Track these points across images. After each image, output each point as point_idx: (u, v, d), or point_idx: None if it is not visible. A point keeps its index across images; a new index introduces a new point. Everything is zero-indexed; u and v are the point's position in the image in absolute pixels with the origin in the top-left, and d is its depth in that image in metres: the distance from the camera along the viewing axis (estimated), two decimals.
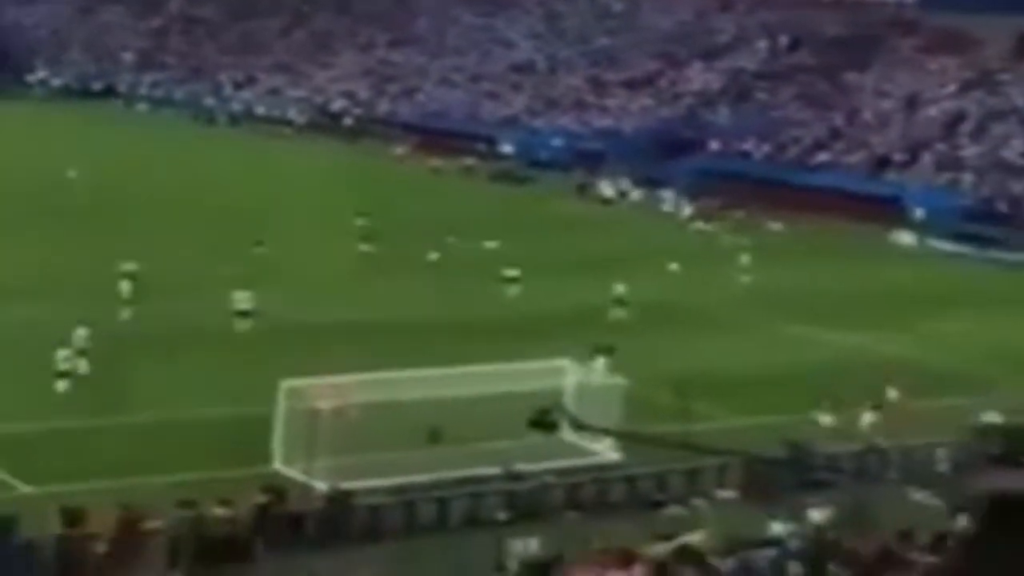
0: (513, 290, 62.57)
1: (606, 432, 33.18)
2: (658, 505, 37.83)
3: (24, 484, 37.35)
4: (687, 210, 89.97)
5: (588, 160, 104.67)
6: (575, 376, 41.02)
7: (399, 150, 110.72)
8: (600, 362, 45.45)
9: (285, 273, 62.57)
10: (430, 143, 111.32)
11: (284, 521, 35.23)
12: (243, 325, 54.20)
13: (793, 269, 70.66)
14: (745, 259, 70.91)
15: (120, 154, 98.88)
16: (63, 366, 45.41)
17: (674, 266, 68.80)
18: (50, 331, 47.22)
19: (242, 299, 54.91)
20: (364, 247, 70.04)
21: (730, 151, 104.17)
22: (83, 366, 46.26)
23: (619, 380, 41.44)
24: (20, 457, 38.75)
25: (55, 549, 32.36)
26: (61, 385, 45.13)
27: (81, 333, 47.20)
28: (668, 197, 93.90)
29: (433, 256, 67.39)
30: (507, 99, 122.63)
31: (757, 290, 66.13)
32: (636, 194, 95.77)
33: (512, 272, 63.19)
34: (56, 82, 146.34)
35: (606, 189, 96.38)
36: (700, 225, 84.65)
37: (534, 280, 62.55)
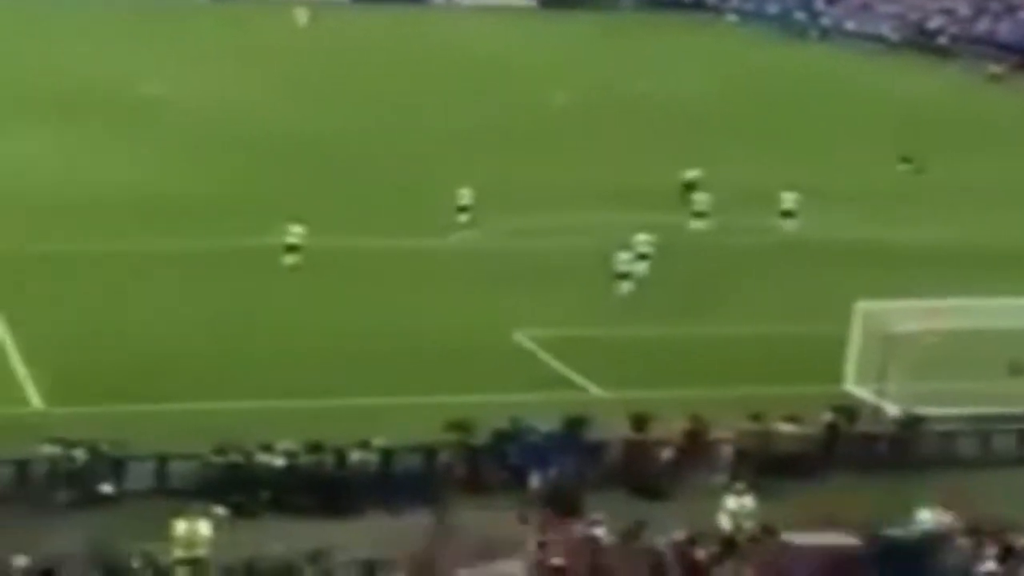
0: None
1: None
2: None
3: (596, 387, 38.03)
4: None
5: None
6: None
7: (994, 70, 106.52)
8: None
9: (873, 190, 61.48)
10: None
11: (854, 442, 34.54)
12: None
13: None
14: None
15: (705, 67, 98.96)
16: (623, 268, 46.15)
17: None
18: (618, 235, 47.98)
19: (789, 200, 54.96)
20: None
21: None
22: (642, 269, 46.77)
23: None
24: (593, 360, 39.43)
25: (622, 451, 32.79)
26: (623, 287, 45.85)
27: (642, 238, 47.78)
28: None
29: None
30: None
31: None
32: None
33: None
34: None
35: None
36: None
37: None
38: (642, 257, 47.57)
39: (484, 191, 53.61)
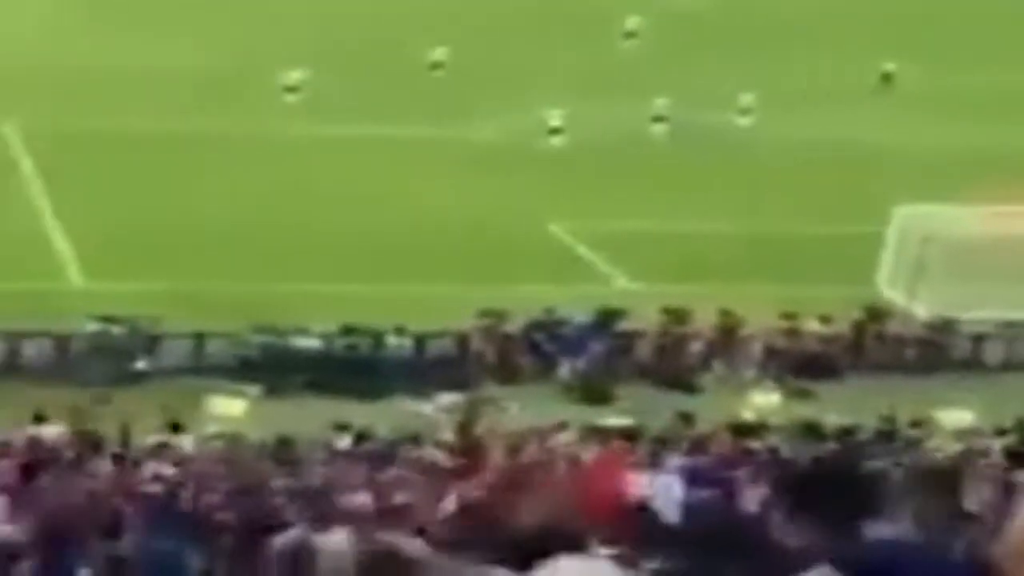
0: None
1: None
2: None
3: (630, 280, 38.14)
4: None
5: None
6: None
7: None
8: None
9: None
10: None
11: (883, 343, 34.79)
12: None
13: None
14: None
15: None
16: None
17: None
18: None
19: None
20: None
21: None
22: None
23: None
24: (627, 254, 39.53)
25: (654, 343, 33.12)
26: None
27: None
28: None
29: None
30: None
31: None
32: None
33: None
34: None
35: None
36: None
37: None
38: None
39: None
